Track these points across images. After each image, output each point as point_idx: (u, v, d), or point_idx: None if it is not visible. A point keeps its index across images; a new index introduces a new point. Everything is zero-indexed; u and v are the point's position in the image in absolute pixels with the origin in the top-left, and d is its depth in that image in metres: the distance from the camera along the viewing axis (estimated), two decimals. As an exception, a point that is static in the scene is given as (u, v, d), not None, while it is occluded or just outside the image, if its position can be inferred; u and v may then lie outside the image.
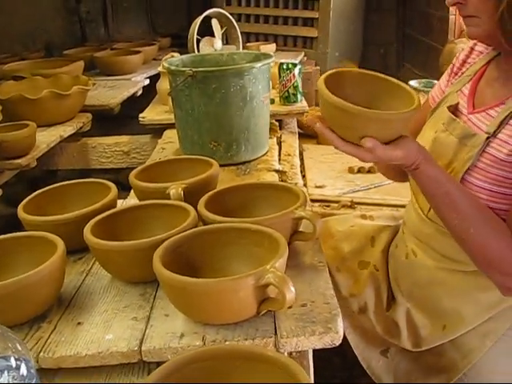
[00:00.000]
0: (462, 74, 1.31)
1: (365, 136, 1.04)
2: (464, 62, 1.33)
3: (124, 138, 2.44)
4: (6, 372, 0.66)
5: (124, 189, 1.59)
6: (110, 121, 2.97)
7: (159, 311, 1.04)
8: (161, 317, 1.03)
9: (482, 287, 1.20)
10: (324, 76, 1.11)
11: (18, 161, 1.92)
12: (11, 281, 0.97)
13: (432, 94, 1.41)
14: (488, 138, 1.12)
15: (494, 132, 1.12)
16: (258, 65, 1.72)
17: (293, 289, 0.90)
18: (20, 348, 0.68)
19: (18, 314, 1.01)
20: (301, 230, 1.19)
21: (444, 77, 1.39)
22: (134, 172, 1.41)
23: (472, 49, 1.32)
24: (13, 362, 0.67)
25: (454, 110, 1.25)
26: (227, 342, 0.94)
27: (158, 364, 0.96)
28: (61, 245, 1.07)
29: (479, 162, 1.13)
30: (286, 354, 0.96)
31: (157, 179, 1.37)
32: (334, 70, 1.16)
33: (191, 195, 1.26)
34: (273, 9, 3.94)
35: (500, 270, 1.11)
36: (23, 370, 0.67)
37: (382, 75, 1.19)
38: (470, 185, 1.14)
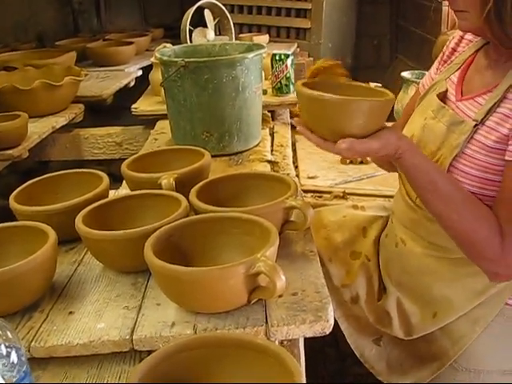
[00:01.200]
0: (452, 62, 1.32)
1: (341, 130, 1.06)
2: (454, 50, 1.34)
3: (116, 129, 2.43)
4: (-4, 359, 0.66)
5: (116, 180, 1.59)
6: (102, 112, 2.96)
7: (151, 300, 1.05)
8: (152, 306, 1.03)
9: (471, 273, 1.21)
10: (300, 81, 1.16)
11: (10, 151, 1.90)
12: (2, 270, 0.97)
13: (422, 81, 1.42)
14: (476, 125, 1.13)
15: (482, 119, 1.13)
16: (251, 55, 1.71)
17: (283, 277, 0.91)
18: (10, 336, 0.68)
19: (9, 303, 1.01)
20: (292, 219, 1.20)
21: (434, 65, 1.40)
22: (125, 162, 1.41)
23: (462, 37, 1.33)
24: (3, 350, 0.67)
25: (443, 97, 1.27)
26: (218, 331, 0.94)
27: (150, 353, 0.97)
28: (52, 234, 1.07)
29: (467, 149, 1.14)
30: (276, 342, 0.96)
31: (149, 169, 1.37)
32: (310, 80, 1.19)
33: (183, 185, 1.26)
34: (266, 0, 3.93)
35: (485, 255, 1.12)
36: (13, 357, 0.67)
37: (358, 83, 1.22)
38: (458, 171, 1.15)
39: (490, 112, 1.12)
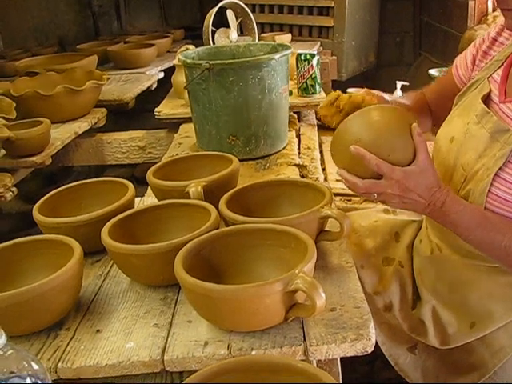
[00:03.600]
0: (493, 57, 1.25)
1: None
2: (495, 40, 1.27)
3: (139, 133, 2.40)
4: (22, 392, 0.62)
5: (140, 183, 1.56)
6: (124, 116, 2.94)
7: (181, 317, 1.00)
8: (183, 323, 0.99)
9: (511, 283, 1.15)
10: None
11: (33, 158, 1.88)
12: (27, 288, 0.93)
13: (457, 64, 1.36)
14: None
15: None
16: (277, 56, 1.67)
17: (323, 295, 0.86)
18: (35, 366, 0.64)
19: (34, 321, 0.97)
20: (326, 229, 1.15)
21: (470, 49, 1.33)
22: (151, 169, 1.37)
23: (504, 26, 1.25)
24: (28, 381, 0.63)
25: (486, 98, 1.20)
26: (254, 351, 0.90)
27: (181, 373, 0.93)
28: (78, 248, 1.03)
29: None
30: (315, 361, 0.91)
31: (175, 177, 1.34)
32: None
33: (211, 193, 1.22)
34: (287, -2, 3.89)
35: None
36: (40, 389, 0.63)
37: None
38: (505, 182, 1.08)
39: None
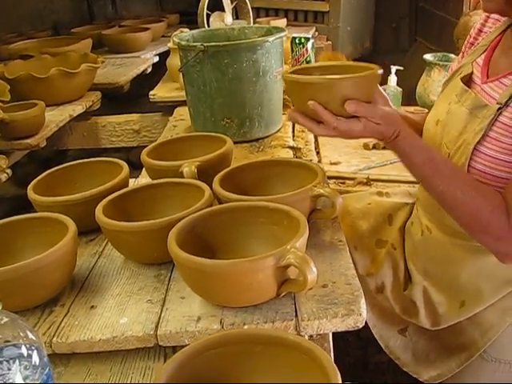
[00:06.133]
0: (478, 44, 1.26)
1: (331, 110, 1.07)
2: (480, 31, 1.29)
3: (134, 117, 2.40)
4: (17, 361, 0.63)
5: (135, 167, 1.56)
6: (119, 100, 2.93)
7: (175, 294, 1.01)
8: (177, 299, 0.99)
9: (498, 262, 1.16)
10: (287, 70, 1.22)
11: (28, 141, 1.88)
12: (21, 264, 0.93)
13: (452, 67, 1.38)
14: (500, 108, 1.08)
15: (506, 102, 1.07)
16: (271, 38, 1.67)
17: (315, 269, 0.86)
18: (31, 336, 0.65)
19: (29, 297, 0.98)
20: (319, 207, 1.16)
21: (462, 49, 1.35)
22: (145, 150, 1.37)
23: (488, 17, 1.27)
24: (24, 351, 0.64)
25: (468, 80, 1.21)
26: (246, 326, 0.91)
27: (175, 348, 0.94)
28: (72, 226, 1.03)
29: (492, 132, 1.08)
30: (306, 337, 0.92)
31: (169, 157, 1.34)
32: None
33: (205, 173, 1.23)
34: (283, -17, 3.87)
35: (491, 232, 1.07)
36: (35, 358, 0.64)
37: (344, 61, 1.23)
38: (484, 155, 1.09)
39: None
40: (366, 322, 1.38)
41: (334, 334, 1.08)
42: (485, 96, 1.14)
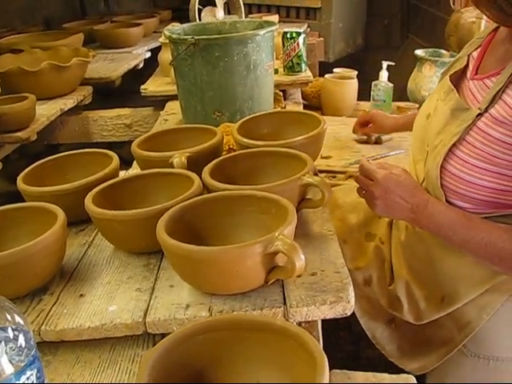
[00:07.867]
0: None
1: None
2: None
3: (126, 111, 2.40)
4: (3, 343, 0.63)
5: (126, 163, 1.56)
6: (111, 95, 2.92)
7: (164, 282, 1.01)
8: (165, 288, 1.00)
9: (476, 261, 1.17)
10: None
11: (18, 134, 1.88)
12: (10, 251, 0.93)
13: None
14: (479, 114, 1.07)
15: (486, 108, 1.07)
16: (262, 32, 1.67)
17: (302, 256, 0.87)
18: (18, 319, 0.65)
19: (18, 285, 0.98)
20: (308, 197, 1.16)
21: None
22: (136, 141, 1.37)
23: None
24: (10, 333, 0.63)
25: (461, 74, 1.21)
26: (235, 313, 0.91)
27: (164, 336, 0.93)
28: (61, 215, 1.03)
29: (468, 136, 1.08)
30: (295, 324, 0.92)
31: (160, 149, 1.34)
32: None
33: (195, 164, 1.23)
34: (275, -21, 3.88)
35: None
36: (21, 340, 0.64)
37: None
38: (457, 158, 1.10)
39: (494, 99, 1.05)
40: (357, 319, 1.40)
41: (325, 328, 1.09)
42: (469, 96, 1.14)
